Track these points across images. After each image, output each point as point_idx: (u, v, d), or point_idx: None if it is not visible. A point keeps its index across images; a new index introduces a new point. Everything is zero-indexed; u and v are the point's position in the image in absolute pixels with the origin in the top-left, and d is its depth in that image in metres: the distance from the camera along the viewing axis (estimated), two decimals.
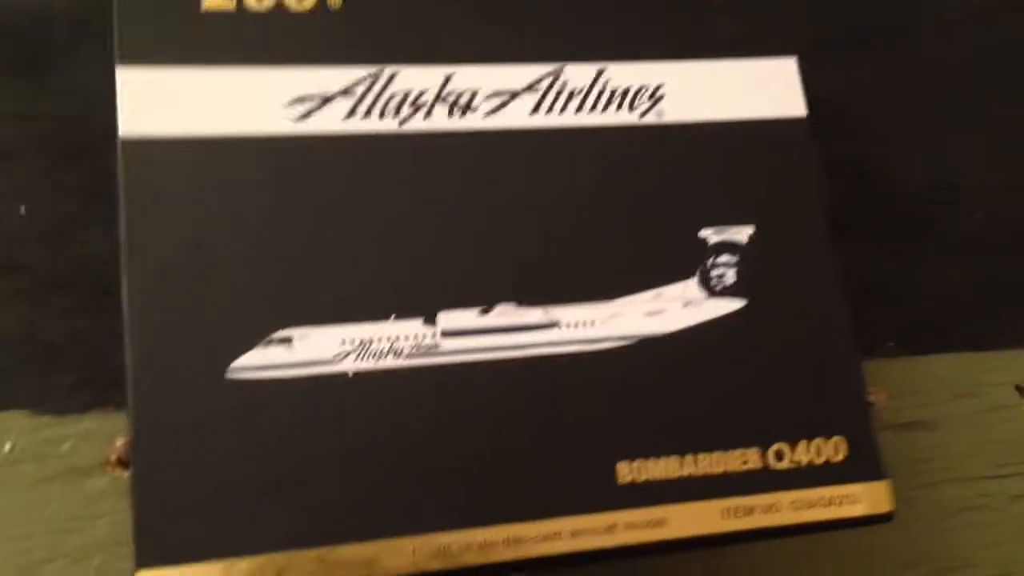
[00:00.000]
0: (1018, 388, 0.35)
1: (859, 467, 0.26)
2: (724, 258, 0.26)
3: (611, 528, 0.24)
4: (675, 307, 0.26)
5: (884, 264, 0.36)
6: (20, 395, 0.30)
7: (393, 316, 0.24)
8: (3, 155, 0.32)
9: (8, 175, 0.32)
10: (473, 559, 0.23)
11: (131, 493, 0.22)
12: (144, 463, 0.22)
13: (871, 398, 0.33)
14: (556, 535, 0.23)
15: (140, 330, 0.23)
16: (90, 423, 0.30)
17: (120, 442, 0.30)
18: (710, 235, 0.27)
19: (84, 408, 0.30)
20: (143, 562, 0.22)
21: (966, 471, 0.34)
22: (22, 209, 0.31)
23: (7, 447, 0.30)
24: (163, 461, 0.22)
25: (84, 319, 0.31)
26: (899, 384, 0.35)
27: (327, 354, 0.24)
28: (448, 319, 0.24)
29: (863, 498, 0.25)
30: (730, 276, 0.26)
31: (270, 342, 0.23)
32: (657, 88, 0.28)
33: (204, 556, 0.22)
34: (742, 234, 0.27)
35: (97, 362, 0.30)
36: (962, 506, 0.34)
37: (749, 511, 0.25)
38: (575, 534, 0.23)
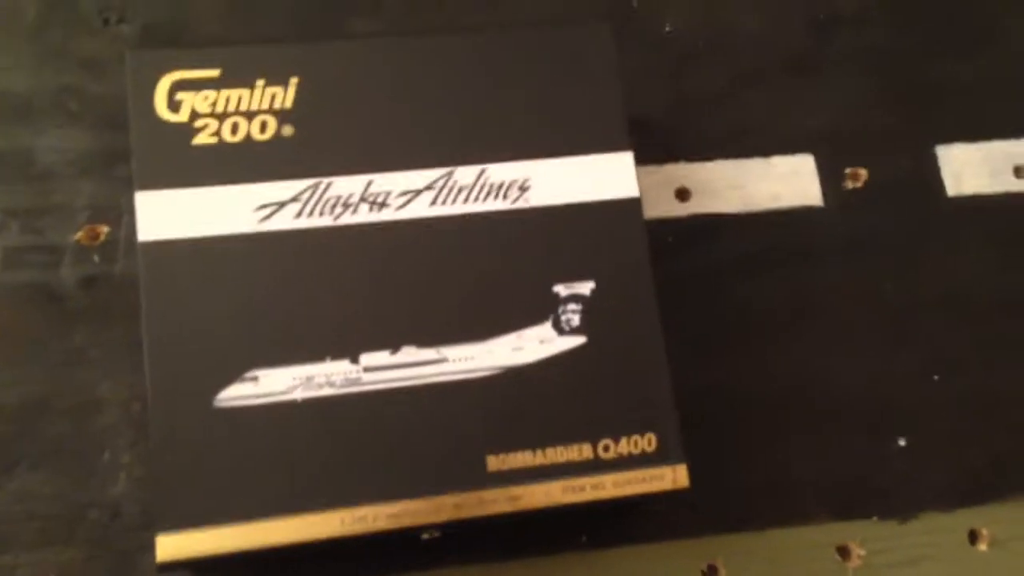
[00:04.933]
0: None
1: (666, 455, 0.36)
2: (571, 306, 0.37)
3: (481, 502, 0.34)
4: (533, 344, 0.36)
5: None
6: None
7: (328, 358, 0.35)
8: None
9: None
10: (385, 525, 0.34)
11: (151, 485, 0.33)
12: (161, 471, 0.33)
13: None
14: (441, 508, 0.34)
15: (158, 375, 0.34)
16: None
17: None
18: (561, 289, 0.37)
19: None
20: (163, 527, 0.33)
21: None
22: None
23: None
24: (176, 468, 0.33)
25: None
26: None
27: (282, 387, 0.34)
28: (368, 358, 0.35)
29: (668, 477, 0.36)
30: (575, 320, 0.37)
31: (244, 379, 0.34)
32: (525, 181, 0.38)
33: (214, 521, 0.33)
34: (585, 288, 0.37)
35: None
36: None
37: (582, 488, 0.35)
38: (456, 507, 0.34)
